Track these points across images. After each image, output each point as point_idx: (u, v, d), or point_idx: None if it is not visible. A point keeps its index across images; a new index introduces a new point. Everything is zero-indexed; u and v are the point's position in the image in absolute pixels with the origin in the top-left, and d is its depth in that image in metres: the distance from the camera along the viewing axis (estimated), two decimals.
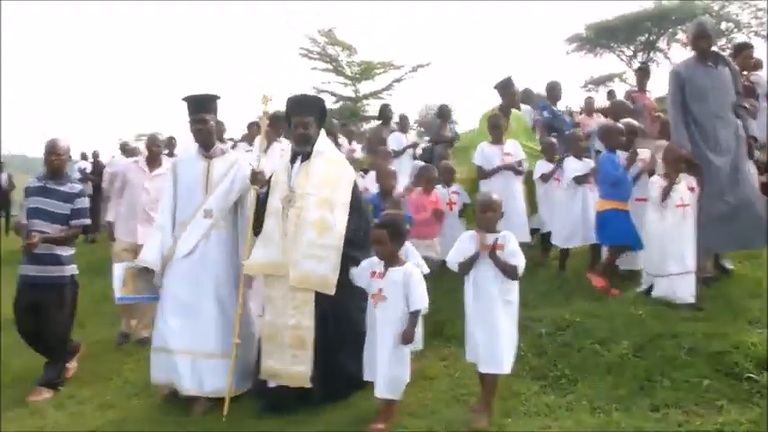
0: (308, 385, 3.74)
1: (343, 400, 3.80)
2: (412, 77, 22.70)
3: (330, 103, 23.25)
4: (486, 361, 3.39)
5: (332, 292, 3.74)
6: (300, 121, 3.98)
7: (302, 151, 4.00)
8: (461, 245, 3.55)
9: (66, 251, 4.68)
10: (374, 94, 22.77)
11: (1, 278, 6.69)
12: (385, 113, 9.25)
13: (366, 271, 3.60)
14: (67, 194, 4.68)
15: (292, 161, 4.04)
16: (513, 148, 5.91)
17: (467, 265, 3.48)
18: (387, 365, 3.39)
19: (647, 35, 28.01)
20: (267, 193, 4.06)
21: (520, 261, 3.42)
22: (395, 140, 8.44)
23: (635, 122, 5.60)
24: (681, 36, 26.01)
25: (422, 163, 7.37)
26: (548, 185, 5.97)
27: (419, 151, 8.99)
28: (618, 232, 4.90)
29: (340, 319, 3.80)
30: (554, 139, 6.24)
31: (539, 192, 6.11)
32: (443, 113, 9.90)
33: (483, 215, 3.51)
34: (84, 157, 12.60)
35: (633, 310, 4.30)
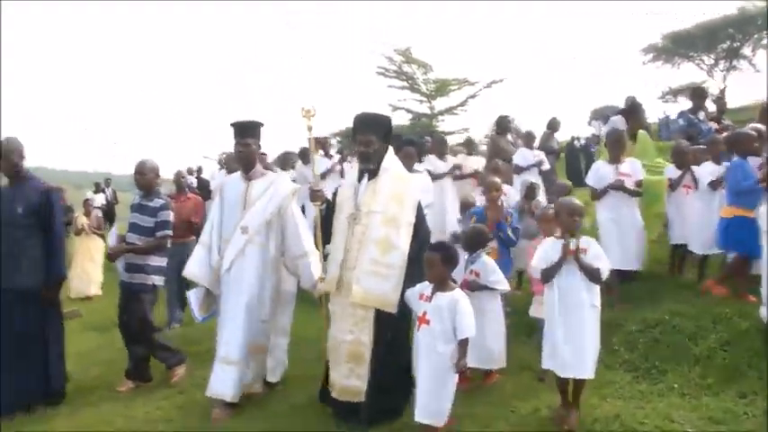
0: (361, 399, 3.78)
1: (396, 417, 3.82)
2: (487, 93, 23.08)
3: (405, 120, 23.98)
4: (573, 366, 3.44)
5: (393, 310, 3.75)
6: (363, 139, 4.00)
7: (365, 169, 4.03)
8: (544, 251, 3.61)
9: (152, 261, 5.16)
10: (449, 111, 23.29)
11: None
12: (503, 124, 9.04)
13: (416, 293, 3.63)
14: (153, 209, 5.17)
15: (359, 179, 4.08)
16: (631, 168, 5.43)
17: (551, 272, 3.53)
18: (425, 391, 3.41)
19: (729, 42, 27.25)
20: (330, 210, 4.20)
21: (604, 264, 3.48)
22: (521, 157, 8.43)
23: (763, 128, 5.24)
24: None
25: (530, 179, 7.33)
26: (678, 194, 5.60)
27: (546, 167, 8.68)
28: (743, 240, 4.75)
29: (396, 338, 3.82)
30: (686, 145, 5.88)
31: (668, 201, 5.68)
32: (552, 125, 9.96)
33: (568, 219, 3.56)
34: (189, 172, 13.55)
35: (720, 309, 4.53)
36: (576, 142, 13.81)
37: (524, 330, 4.97)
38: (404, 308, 3.76)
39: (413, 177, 4.20)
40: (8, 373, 4.69)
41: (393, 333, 3.81)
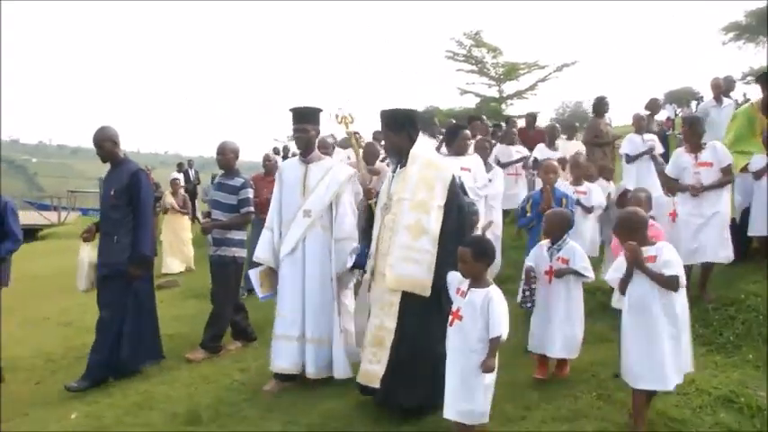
0: (376, 385, 3.82)
1: (421, 411, 3.75)
2: (557, 77, 22.75)
3: (472, 103, 23.91)
4: (643, 377, 3.32)
5: (427, 293, 3.75)
6: (384, 136, 4.22)
7: (396, 161, 4.17)
8: (618, 262, 3.51)
9: (234, 235, 5.58)
10: (518, 94, 23.09)
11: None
12: (600, 107, 8.67)
13: (453, 285, 3.53)
14: (233, 187, 5.58)
15: (394, 170, 4.17)
16: (713, 155, 5.01)
17: (623, 282, 3.43)
18: (453, 389, 3.32)
19: None
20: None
21: (676, 270, 3.27)
22: (630, 144, 7.48)
23: None
24: None
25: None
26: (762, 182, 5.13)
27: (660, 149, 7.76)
28: None
29: (424, 328, 3.78)
30: None
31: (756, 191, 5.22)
32: (652, 106, 9.19)
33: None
34: (276, 152, 14.02)
35: None
36: None
37: None
38: (437, 299, 3.70)
39: (444, 162, 4.18)
40: (96, 342, 5.15)
41: (420, 322, 3.76)
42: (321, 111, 4.76)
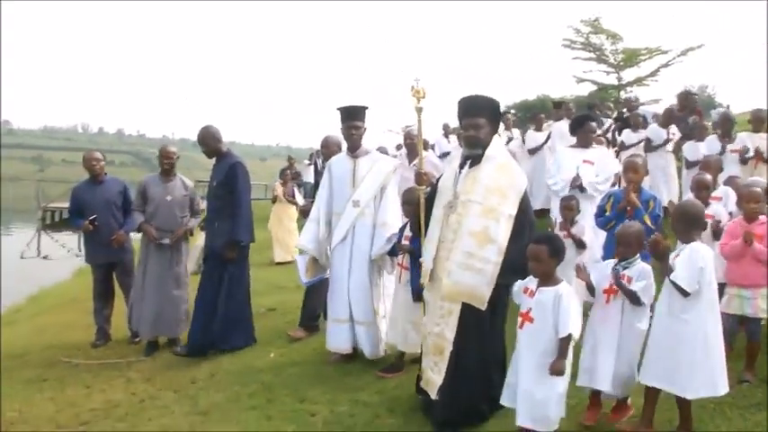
0: (434, 395, 3.68)
1: (476, 420, 3.70)
2: (681, 62, 21.13)
3: (585, 91, 22.80)
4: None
5: (483, 306, 3.53)
6: (471, 123, 3.73)
7: (472, 155, 3.75)
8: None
9: None
10: (638, 81, 21.73)
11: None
12: (687, 102, 8.33)
13: (521, 288, 3.42)
14: None
15: (461, 166, 3.81)
16: None
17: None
18: (526, 394, 3.20)
19: None
20: (432, 196, 3.98)
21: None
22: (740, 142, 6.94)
23: None
24: None
25: None
26: None
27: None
28: None
29: (481, 340, 3.64)
30: None
31: None
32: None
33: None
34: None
35: None
36: None
37: None
38: (497, 306, 3.59)
39: (518, 168, 3.86)
40: (194, 316, 5.66)
41: (480, 332, 3.60)
42: (368, 108, 5.07)
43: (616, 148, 8.91)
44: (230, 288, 5.57)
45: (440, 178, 4.07)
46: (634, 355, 3.52)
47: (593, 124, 6.05)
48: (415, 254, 4.26)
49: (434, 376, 3.68)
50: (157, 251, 5.97)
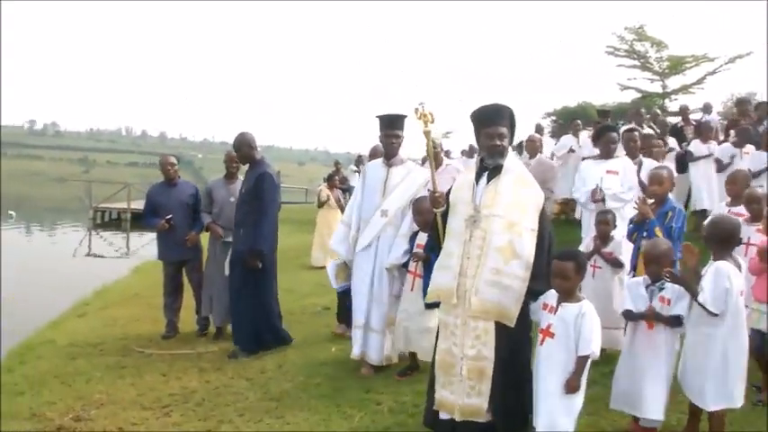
0: (482, 419, 3.51)
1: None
2: (728, 69, 20.89)
3: (628, 98, 22.66)
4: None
5: (512, 324, 3.45)
6: (496, 132, 3.59)
7: (494, 165, 3.62)
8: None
9: None
10: (684, 89, 21.53)
11: None
12: (744, 109, 8.25)
13: (540, 304, 3.42)
14: None
15: (477, 178, 3.70)
16: None
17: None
18: (547, 411, 3.23)
19: None
20: (446, 214, 3.86)
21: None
22: None
23: None
24: None
25: None
26: None
27: None
28: None
29: (516, 352, 3.56)
30: None
31: None
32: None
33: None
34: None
35: None
36: None
37: None
38: (524, 322, 3.53)
39: (535, 182, 3.77)
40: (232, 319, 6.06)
41: (513, 348, 3.52)
42: (407, 117, 5.00)
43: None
44: (254, 294, 5.83)
45: (450, 190, 3.93)
46: (669, 376, 3.58)
47: (615, 135, 6.11)
48: (431, 261, 4.22)
49: (476, 401, 3.50)
50: (224, 248, 6.35)
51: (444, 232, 3.82)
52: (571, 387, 3.17)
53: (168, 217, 6.59)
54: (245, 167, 6.10)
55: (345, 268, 5.32)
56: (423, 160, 6.41)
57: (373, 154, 6.17)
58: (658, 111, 14.18)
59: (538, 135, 11.12)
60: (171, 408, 4.72)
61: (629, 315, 3.62)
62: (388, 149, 5.13)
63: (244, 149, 5.94)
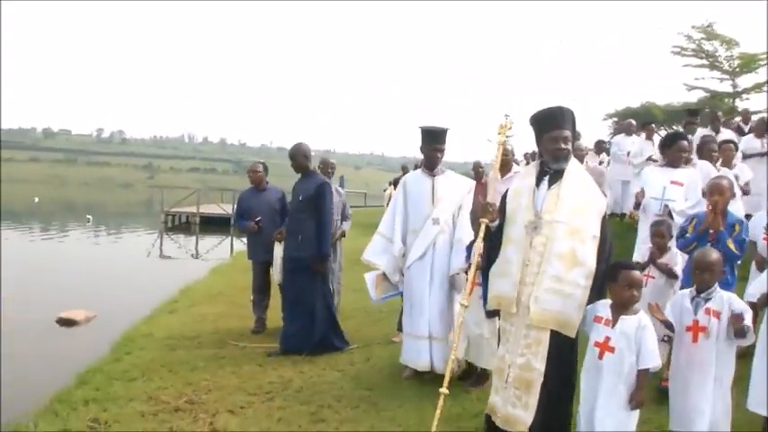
0: (519, 430, 3.40)
1: None
2: None
3: (694, 98, 22.11)
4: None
5: (573, 334, 3.36)
6: (561, 135, 3.49)
7: (558, 169, 3.53)
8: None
9: None
10: (755, 88, 20.92)
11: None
12: None
13: (591, 315, 3.32)
14: None
15: (537, 182, 3.59)
16: None
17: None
18: (614, 426, 3.15)
19: None
20: (500, 226, 3.72)
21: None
22: None
23: None
24: None
25: None
26: None
27: None
28: None
29: (564, 365, 3.43)
30: None
31: None
32: None
33: None
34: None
35: None
36: None
37: None
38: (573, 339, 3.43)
39: (596, 185, 3.66)
40: (288, 322, 6.19)
41: (563, 360, 3.41)
42: (449, 129, 5.28)
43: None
44: (315, 295, 6.08)
45: (505, 195, 3.80)
46: (729, 388, 3.45)
47: (685, 143, 5.71)
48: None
49: (519, 412, 3.40)
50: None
51: (485, 241, 3.79)
52: (638, 402, 3.13)
53: (257, 219, 7.08)
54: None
55: (384, 278, 5.40)
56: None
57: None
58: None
59: (584, 143, 10.64)
60: (273, 394, 5.11)
61: (669, 325, 3.52)
62: (433, 162, 5.27)
63: (299, 159, 6.22)
